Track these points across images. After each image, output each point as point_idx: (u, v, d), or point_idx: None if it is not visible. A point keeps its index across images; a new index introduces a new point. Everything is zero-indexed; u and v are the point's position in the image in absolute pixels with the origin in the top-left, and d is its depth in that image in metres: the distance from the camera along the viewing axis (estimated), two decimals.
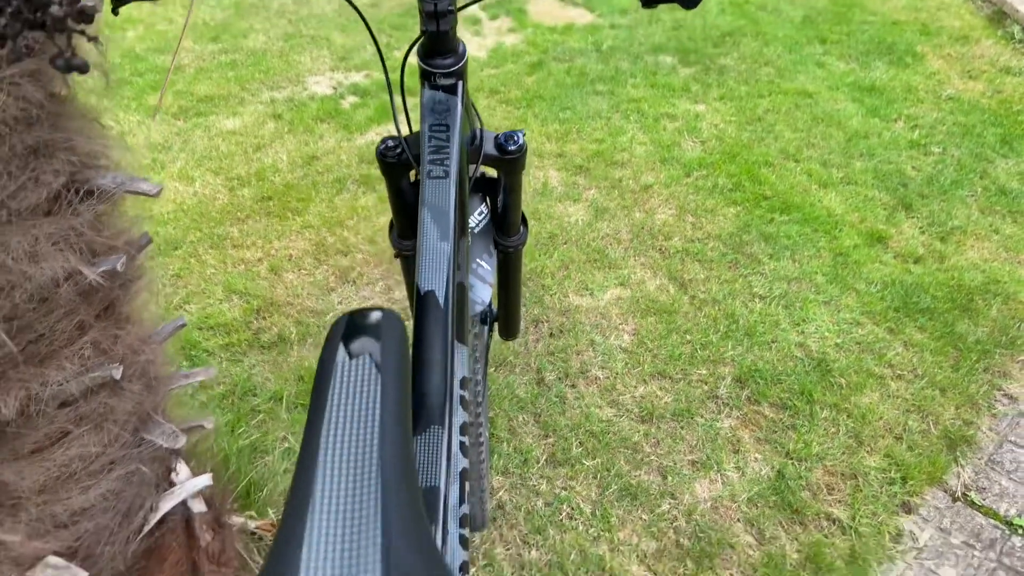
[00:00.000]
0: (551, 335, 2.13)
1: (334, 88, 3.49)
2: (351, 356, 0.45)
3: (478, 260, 1.15)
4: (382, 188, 2.68)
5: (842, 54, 3.73)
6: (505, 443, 1.83)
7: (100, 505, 0.94)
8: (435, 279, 0.79)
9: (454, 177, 0.84)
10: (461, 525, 0.82)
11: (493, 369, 2.02)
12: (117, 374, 0.86)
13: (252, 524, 1.32)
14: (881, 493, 1.74)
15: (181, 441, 0.97)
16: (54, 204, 0.79)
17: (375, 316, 0.49)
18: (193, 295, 2.23)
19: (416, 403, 0.74)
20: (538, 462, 1.79)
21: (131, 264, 0.90)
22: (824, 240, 2.48)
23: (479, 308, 1.14)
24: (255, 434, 1.76)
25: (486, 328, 1.57)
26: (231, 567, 1.21)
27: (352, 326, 0.48)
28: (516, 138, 1.05)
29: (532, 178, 2.79)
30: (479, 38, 3.99)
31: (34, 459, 0.87)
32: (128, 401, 0.93)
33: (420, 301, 0.79)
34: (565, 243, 2.47)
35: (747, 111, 3.22)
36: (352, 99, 3.38)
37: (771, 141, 3.01)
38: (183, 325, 1.07)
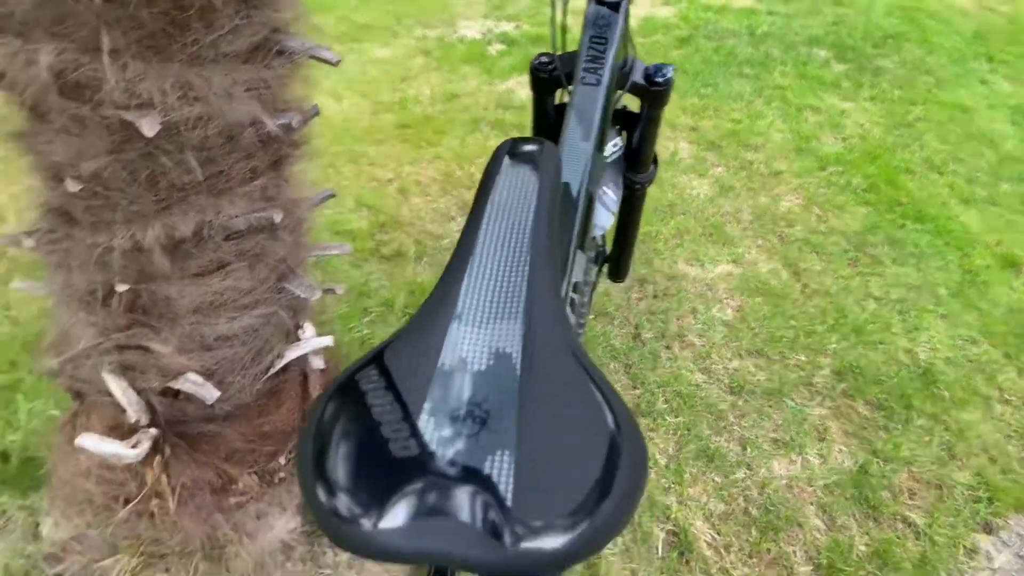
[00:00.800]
0: (655, 296, 2.17)
1: (483, 34, 3.58)
2: (514, 157, 0.52)
3: (605, 188, 1.20)
4: (514, 132, 2.76)
5: (1009, 75, 3.53)
6: None
7: (240, 337, 1.06)
8: (572, 174, 0.85)
9: (604, 87, 0.89)
10: None
11: (593, 317, 2.08)
12: (278, 218, 0.97)
13: None
14: (964, 508, 1.70)
15: (317, 294, 1.08)
16: (252, 55, 0.90)
17: (536, 141, 0.56)
18: (327, 202, 2.38)
19: None
20: None
21: (301, 125, 1.01)
22: (954, 255, 2.39)
23: (598, 232, 1.19)
24: (364, 331, 1.89)
25: (596, 267, 1.62)
26: None
27: (517, 142, 0.55)
28: (665, 71, 1.09)
29: (662, 147, 2.80)
30: (632, 7, 3.98)
31: (196, 281, 0.99)
32: (280, 247, 1.04)
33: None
34: (683, 213, 2.48)
35: (897, 115, 3.11)
36: (499, 47, 3.46)
37: (916, 149, 2.90)
38: (332, 195, 1.18)
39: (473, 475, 0.35)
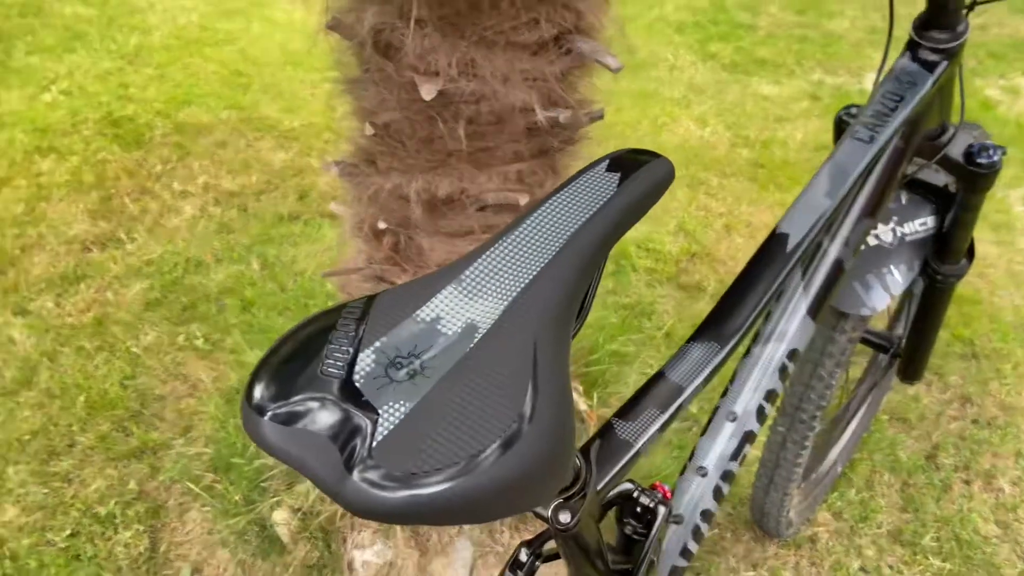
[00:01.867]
0: (974, 421, 1.83)
1: None
2: (608, 167, 0.51)
3: (891, 267, 1.06)
4: None
5: None
6: (853, 489, 1.66)
7: None
8: (795, 225, 0.77)
9: (876, 147, 0.79)
10: (724, 478, 0.82)
11: (885, 417, 1.82)
12: (523, 200, 1.03)
13: (583, 405, 1.46)
14: None
15: None
16: (541, 48, 0.96)
17: (650, 154, 0.53)
18: (645, 217, 2.41)
19: (712, 313, 0.76)
20: (878, 527, 1.60)
21: (575, 123, 1.05)
22: None
23: (865, 313, 1.05)
24: (629, 347, 1.89)
25: (882, 361, 1.43)
26: None
27: (632, 151, 0.53)
28: (991, 153, 0.92)
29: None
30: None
31: (445, 240, 1.10)
32: None
33: (769, 238, 0.78)
34: None
35: None
36: None
37: None
38: None
39: (366, 410, 0.37)
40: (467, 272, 0.43)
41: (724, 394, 0.87)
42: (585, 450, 0.62)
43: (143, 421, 1.68)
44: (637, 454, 0.66)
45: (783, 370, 0.86)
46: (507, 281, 0.43)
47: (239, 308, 1.98)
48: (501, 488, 0.35)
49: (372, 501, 0.34)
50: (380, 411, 0.36)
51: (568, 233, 0.46)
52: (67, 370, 1.77)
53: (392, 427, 0.36)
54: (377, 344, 0.40)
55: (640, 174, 0.52)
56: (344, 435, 0.36)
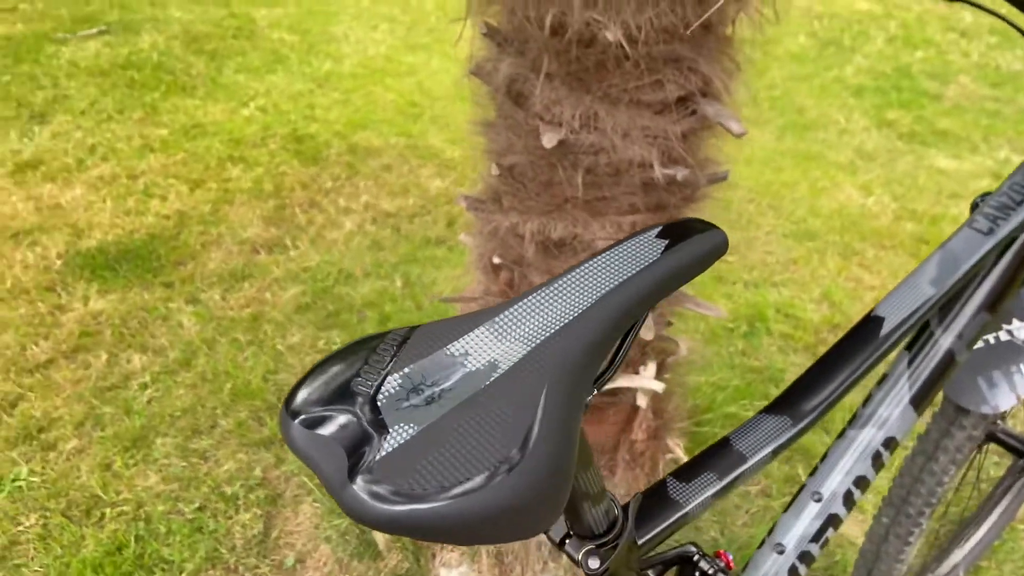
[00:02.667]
0: None
1: None
2: (658, 233, 0.52)
3: (1022, 367, 0.98)
4: None
5: None
6: None
7: None
8: (894, 309, 0.74)
9: (993, 241, 0.75)
10: (801, 559, 0.80)
11: (1022, 527, 1.65)
12: None
13: (678, 451, 1.44)
14: None
15: (650, 334, 1.13)
16: (662, 108, 0.99)
17: (704, 226, 0.54)
18: (788, 281, 2.33)
19: (791, 387, 0.75)
20: None
21: (694, 182, 1.06)
22: None
23: (986, 411, 0.98)
24: (748, 411, 1.83)
25: (1020, 466, 1.31)
26: (643, 469, 1.36)
27: (685, 222, 0.54)
28: None
29: None
30: None
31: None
32: None
33: (864, 319, 0.76)
34: None
35: None
36: None
37: None
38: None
39: (379, 427, 0.41)
40: (502, 315, 0.47)
41: (812, 473, 0.85)
42: (626, 504, 0.63)
43: (275, 413, 1.83)
44: (686, 516, 0.66)
45: (877, 457, 0.83)
46: (535, 328, 0.46)
47: (377, 321, 2.11)
48: (484, 517, 0.38)
49: (364, 509, 0.38)
50: (391, 429, 0.40)
51: (602, 291, 0.48)
52: (220, 358, 1.96)
53: (396, 445, 0.40)
54: (406, 370, 0.44)
55: (688, 243, 0.53)
56: (355, 446, 0.40)
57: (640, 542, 0.65)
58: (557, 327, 0.46)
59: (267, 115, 3.15)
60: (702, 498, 0.67)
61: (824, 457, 0.85)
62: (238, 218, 2.52)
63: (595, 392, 0.52)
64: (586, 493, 0.57)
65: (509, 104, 1.03)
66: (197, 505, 1.62)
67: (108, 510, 1.60)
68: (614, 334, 0.48)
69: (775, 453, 0.71)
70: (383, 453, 0.39)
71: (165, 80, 3.34)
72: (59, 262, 2.27)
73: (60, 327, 2.04)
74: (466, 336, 0.46)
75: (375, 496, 0.38)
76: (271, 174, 2.76)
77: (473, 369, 0.44)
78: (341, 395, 0.43)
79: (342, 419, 0.41)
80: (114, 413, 1.81)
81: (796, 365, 2.03)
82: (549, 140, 0.96)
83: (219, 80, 3.40)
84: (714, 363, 2.04)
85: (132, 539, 1.54)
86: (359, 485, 0.38)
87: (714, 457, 0.70)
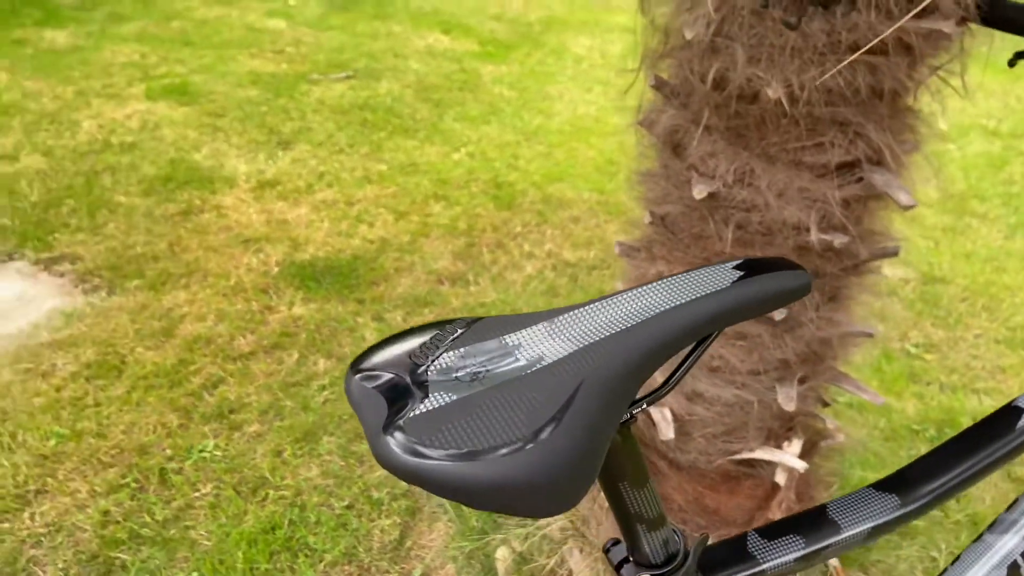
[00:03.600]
0: None
1: None
2: (737, 265, 0.53)
3: None
4: None
5: None
6: None
7: (716, 403, 1.15)
8: None
9: None
10: None
11: None
12: (779, 316, 1.02)
13: (834, 561, 1.34)
14: None
15: (791, 405, 1.08)
16: (823, 171, 0.96)
17: (785, 264, 0.53)
18: (992, 390, 2.10)
19: (909, 466, 0.70)
20: None
21: (854, 252, 1.02)
22: None
23: None
24: (919, 521, 1.66)
25: None
26: None
27: (768, 259, 0.54)
28: None
29: None
30: None
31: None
32: (782, 350, 1.08)
33: (1002, 408, 0.69)
34: None
35: None
36: None
37: None
38: (869, 335, 1.13)
39: (422, 392, 0.45)
40: (562, 316, 0.50)
41: (942, 575, 0.78)
42: (699, 543, 0.62)
43: None
44: (761, 573, 0.64)
45: (1015, 568, 0.75)
46: (586, 331, 0.48)
47: None
48: (489, 484, 0.41)
49: (389, 456, 0.42)
50: (431, 395, 0.45)
51: (660, 309, 0.49)
52: None
53: (431, 408, 0.44)
54: (462, 350, 0.48)
55: (763, 277, 0.53)
56: (398, 403, 0.44)
57: None
58: (607, 334, 0.48)
59: (474, 160, 3.37)
60: (782, 560, 0.64)
61: (955, 560, 0.77)
62: (431, 250, 2.71)
63: (643, 407, 0.53)
64: (640, 515, 0.57)
65: (668, 154, 1.06)
66: (346, 503, 1.74)
67: (271, 492, 1.76)
68: (664, 351, 0.49)
69: (875, 532, 0.66)
70: (417, 412, 0.44)
71: (393, 122, 3.69)
72: (276, 269, 2.56)
73: (266, 325, 2.30)
74: (524, 330, 0.49)
75: (400, 446, 0.42)
76: (467, 214, 2.95)
77: (521, 358, 0.47)
78: (398, 362, 0.48)
79: (393, 380, 0.46)
80: (293, 407, 2.00)
81: (988, 483, 1.81)
82: (699, 191, 0.97)
83: (439, 126, 3.70)
84: (889, 462, 1.88)
85: (286, 522, 1.69)
86: (390, 435, 0.43)
87: (806, 521, 0.67)
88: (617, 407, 0.47)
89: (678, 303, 0.50)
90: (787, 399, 1.10)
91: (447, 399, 0.45)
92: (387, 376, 0.47)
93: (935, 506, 0.68)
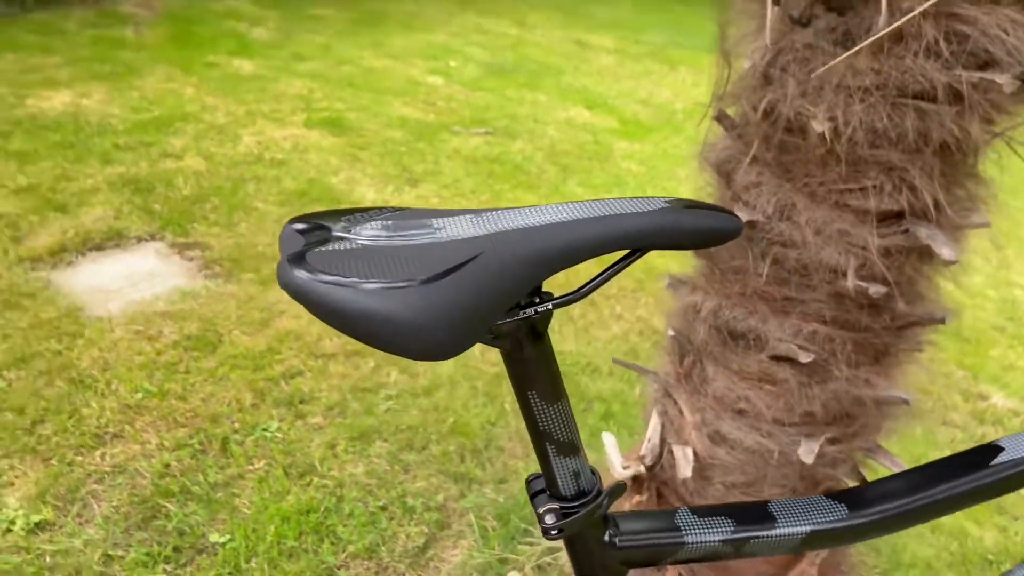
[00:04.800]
0: None
1: None
2: (667, 200, 0.54)
3: None
4: None
5: None
6: None
7: (738, 448, 1.12)
8: (1018, 444, 0.63)
9: None
10: None
11: None
12: (805, 358, 1.00)
13: None
14: None
15: (809, 458, 1.04)
16: (863, 216, 0.95)
17: (722, 212, 0.54)
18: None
19: (869, 483, 0.67)
20: None
21: (891, 307, 0.98)
22: None
23: None
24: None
25: None
26: None
27: (706, 203, 0.55)
28: None
29: None
30: None
31: (731, 374, 1.11)
32: (808, 400, 1.05)
33: (980, 445, 0.65)
34: None
35: None
36: None
37: None
38: (904, 401, 1.07)
39: (338, 240, 0.50)
40: (489, 212, 0.53)
41: None
42: (614, 487, 0.62)
43: (477, 456, 1.95)
44: (680, 545, 0.63)
45: None
46: (504, 223, 0.52)
47: (600, 414, 2.15)
48: (360, 313, 0.45)
49: (284, 276, 0.47)
50: (341, 241, 0.50)
51: (578, 216, 0.52)
52: (456, 398, 2.16)
53: (338, 248, 0.48)
54: (390, 222, 0.53)
55: (688, 209, 0.54)
56: (312, 244, 0.50)
57: (619, 543, 0.63)
58: (520, 226, 0.51)
59: None
60: (706, 538, 0.63)
61: None
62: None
63: (549, 305, 0.55)
64: (549, 434, 0.58)
65: (718, 182, 1.07)
66: (382, 503, 1.78)
67: (316, 479, 1.83)
68: (570, 253, 0.51)
69: (815, 537, 0.63)
70: (323, 249, 0.49)
71: (518, 177, 3.84)
72: None
73: None
74: (451, 217, 0.53)
75: (297, 270, 0.47)
76: (570, 270, 3.00)
77: (437, 233, 0.51)
78: (330, 220, 0.53)
79: (318, 229, 0.52)
80: (357, 409, 2.08)
81: None
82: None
83: (560, 187, 3.81)
84: None
85: (322, 508, 1.75)
86: (293, 261, 0.48)
87: (743, 509, 0.65)
88: (511, 287, 0.50)
89: (594, 215, 0.53)
90: (808, 452, 1.06)
91: (355, 244, 0.49)
92: (314, 225, 0.52)
93: (890, 527, 0.64)
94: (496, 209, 0.55)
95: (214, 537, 1.65)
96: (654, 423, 1.27)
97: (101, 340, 2.24)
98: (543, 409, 0.58)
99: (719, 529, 0.63)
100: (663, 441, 1.26)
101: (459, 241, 0.50)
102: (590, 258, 0.53)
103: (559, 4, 8.52)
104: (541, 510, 0.61)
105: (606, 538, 0.63)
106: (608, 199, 0.56)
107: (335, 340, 2.36)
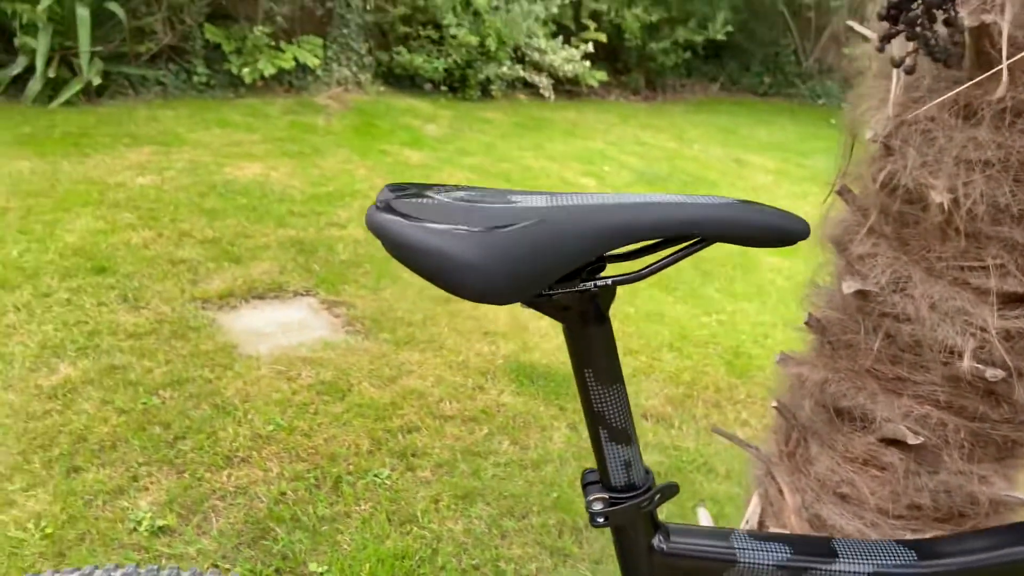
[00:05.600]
0: None
1: None
2: (740, 200, 0.56)
3: None
4: None
5: None
6: None
7: (858, 534, 1.07)
8: None
9: None
10: None
11: None
12: (914, 440, 0.95)
13: None
14: None
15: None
16: (983, 295, 0.91)
17: (793, 219, 0.56)
18: None
19: (947, 536, 0.63)
20: None
21: (1015, 401, 0.92)
22: None
23: None
24: None
25: None
26: None
27: (776, 209, 0.57)
28: None
29: None
30: None
31: (835, 454, 1.07)
32: (913, 489, 0.99)
33: None
34: None
35: None
36: None
37: None
38: None
39: (425, 195, 0.56)
40: (564, 194, 0.58)
41: None
42: (666, 486, 0.63)
43: (576, 534, 1.92)
44: (731, 563, 0.61)
45: None
46: (571, 201, 0.56)
47: (711, 515, 2.06)
48: (423, 250, 0.50)
49: (369, 219, 0.54)
50: (424, 196, 0.56)
51: (644, 201, 0.55)
52: (564, 475, 2.15)
53: (415, 199, 0.55)
54: (476, 192, 0.58)
55: (754, 205, 0.56)
56: (403, 197, 0.56)
57: (668, 549, 0.62)
58: (585, 203, 0.55)
59: (722, 328, 3.39)
60: (760, 560, 0.61)
61: None
62: (647, 388, 2.75)
63: (606, 281, 0.57)
64: (603, 417, 0.60)
65: (835, 252, 1.07)
66: (474, 563, 1.79)
67: (416, 528, 1.87)
68: (629, 231, 0.54)
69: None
70: (410, 201, 0.55)
71: (655, 276, 3.86)
72: (501, 361, 2.78)
73: (473, 400, 2.49)
74: (529, 194, 0.58)
75: (378, 209, 0.53)
76: (695, 369, 2.95)
77: (513, 203, 0.56)
78: (426, 187, 0.59)
79: (411, 189, 0.58)
80: (466, 470, 2.12)
81: None
82: (848, 286, 0.97)
83: (699, 291, 3.79)
84: None
85: (416, 556, 1.78)
86: (377, 204, 0.54)
87: (804, 540, 0.63)
88: (568, 253, 0.54)
89: (658, 201, 0.56)
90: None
91: (438, 199, 0.55)
92: (408, 187, 0.59)
93: None
94: (565, 194, 0.60)
95: (313, 566, 1.72)
96: (754, 504, 1.22)
97: (247, 375, 2.43)
98: (598, 390, 0.60)
99: (775, 554, 0.62)
100: (761, 524, 1.21)
101: (527, 208, 0.55)
102: (650, 239, 0.56)
103: (722, 124, 8.64)
104: (591, 498, 0.62)
105: (655, 542, 0.62)
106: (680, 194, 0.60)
107: (454, 404, 2.44)
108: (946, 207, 0.88)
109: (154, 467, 1.97)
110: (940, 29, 0.80)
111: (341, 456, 2.11)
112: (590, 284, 0.59)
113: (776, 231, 0.58)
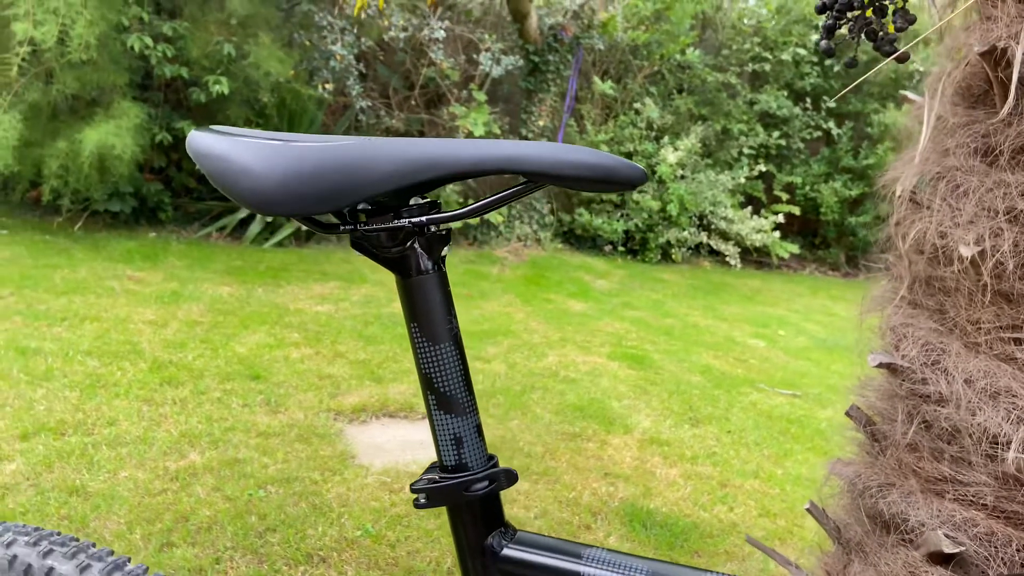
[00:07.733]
0: None
1: None
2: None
3: None
4: None
5: None
6: None
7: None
8: None
9: None
10: None
11: None
12: (948, 548, 0.76)
13: None
14: None
15: None
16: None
17: (633, 164, 0.49)
18: None
19: None
20: None
21: None
22: None
23: None
24: None
25: None
26: None
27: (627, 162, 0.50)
28: None
29: None
30: None
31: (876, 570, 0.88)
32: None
33: None
34: None
35: None
36: None
37: None
38: None
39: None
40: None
41: None
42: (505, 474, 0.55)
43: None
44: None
45: None
46: (398, 141, 0.53)
47: None
48: (210, 161, 0.50)
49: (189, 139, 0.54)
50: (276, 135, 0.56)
51: (471, 146, 0.51)
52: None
53: (263, 133, 0.55)
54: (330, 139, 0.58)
55: (595, 153, 0.50)
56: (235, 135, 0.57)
57: (501, 553, 0.53)
58: (406, 141, 0.53)
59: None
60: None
61: None
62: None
63: (421, 220, 0.53)
64: (430, 380, 0.54)
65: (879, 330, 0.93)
66: None
67: None
68: (440, 165, 0.50)
69: None
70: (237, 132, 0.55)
71: (815, 441, 3.51)
72: (616, 503, 2.60)
73: (575, 538, 2.33)
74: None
75: (201, 131, 0.54)
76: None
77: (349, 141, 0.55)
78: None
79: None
80: None
81: None
82: (873, 359, 0.84)
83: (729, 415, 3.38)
84: None
85: None
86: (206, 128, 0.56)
87: (666, 565, 0.51)
88: (364, 180, 0.51)
89: (483, 141, 0.52)
90: None
91: (271, 134, 0.56)
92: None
93: None
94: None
95: None
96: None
97: (353, 481, 2.47)
98: (425, 348, 0.55)
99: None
100: None
101: (348, 139, 0.54)
102: (471, 175, 0.53)
103: None
104: (422, 475, 0.56)
105: (490, 540, 0.54)
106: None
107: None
108: (972, 260, 0.75)
109: (238, 553, 2.02)
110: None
111: (419, 571, 2.04)
112: (404, 221, 0.56)
113: (605, 172, 0.52)
